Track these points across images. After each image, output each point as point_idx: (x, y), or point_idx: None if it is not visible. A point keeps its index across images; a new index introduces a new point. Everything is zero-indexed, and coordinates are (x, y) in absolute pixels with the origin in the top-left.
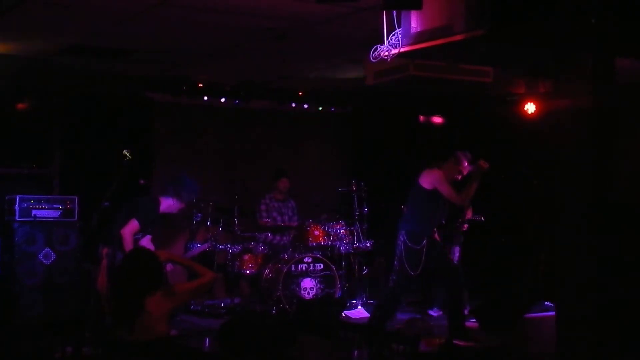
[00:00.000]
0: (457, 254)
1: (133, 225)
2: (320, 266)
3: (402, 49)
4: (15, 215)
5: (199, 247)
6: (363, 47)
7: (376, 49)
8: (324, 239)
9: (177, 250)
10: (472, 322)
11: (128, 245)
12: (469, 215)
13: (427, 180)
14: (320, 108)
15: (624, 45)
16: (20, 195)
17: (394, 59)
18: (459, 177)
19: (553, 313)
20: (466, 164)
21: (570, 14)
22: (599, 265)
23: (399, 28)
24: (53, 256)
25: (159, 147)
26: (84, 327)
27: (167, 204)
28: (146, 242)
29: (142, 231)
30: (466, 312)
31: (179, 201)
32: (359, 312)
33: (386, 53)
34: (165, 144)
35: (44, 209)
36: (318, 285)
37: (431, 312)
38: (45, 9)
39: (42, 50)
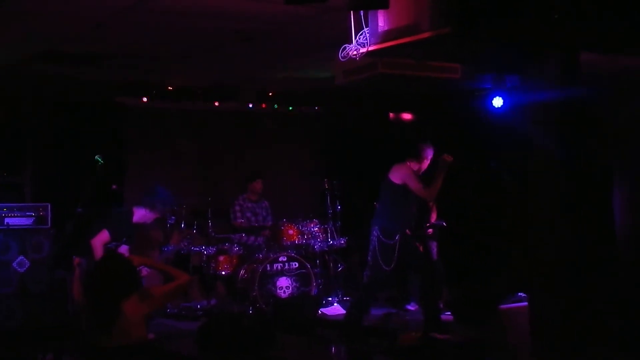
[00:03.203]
0: (434, 250)
1: (103, 235)
2: (295, 265)
3: (371, 48)
4: None
5: (167, 250)
6: (332, 46)
7: (345, 48)
8: (298, 238)
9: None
10: (447, 315)
11: (98, 256)
12: (433, 218)
13: (397, 175)
14: (290, 108)
15: (588, 40)
16: None
17: (363, 58)
18: (422, 169)
19: (526, 304)
20: (429, 155)
21: (534, 11)
22: (571, 257)
23: (366, 27)
24: (27, 264)
25: (131, 152)
26: (63, 335)
27: (140, 214)
28: (123, 252)
29: (115, 241)
30: (441, 305)
31: (153, 212)
32: (335, 309)
33: (355, 52)
34: (138, 148)
35: (17, 216)
36: (294, 283)
37: (408, 307)
38: (14, 16)
39: (11, 57)
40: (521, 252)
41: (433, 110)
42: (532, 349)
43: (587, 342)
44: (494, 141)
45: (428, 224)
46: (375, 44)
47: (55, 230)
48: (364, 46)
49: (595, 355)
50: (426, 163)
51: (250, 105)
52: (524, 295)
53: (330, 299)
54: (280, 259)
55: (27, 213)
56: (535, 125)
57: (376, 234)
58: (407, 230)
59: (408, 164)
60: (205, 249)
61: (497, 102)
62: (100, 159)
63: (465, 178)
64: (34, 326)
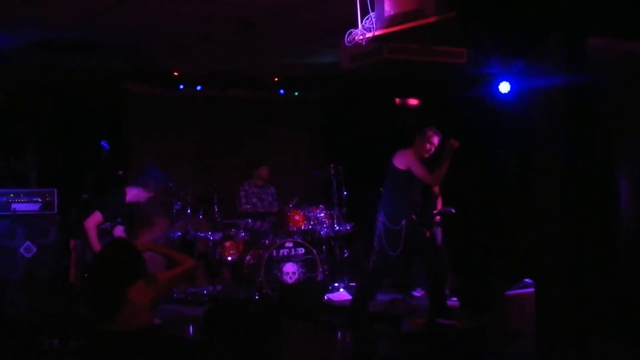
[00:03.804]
0: (439, 235)
1: (96, 217)
2: (301, 250)
3: (376, 33)
4: None
5: (173, 236)
6: (337, 31)
7: (350, 33)
8: (304, 224)
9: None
10: (453, 301)
11: (92, 237)
12: (439, 205)
13: (400, 160)
14: (296, 94)
15: (595, 24)
16: None
17: (369, 43)
18: (427, 155)
19: (532, 290)
20: (435, 141)
21: None
22: (575, 243)
23: (372, 12)
24: (34, 250)
25: (136, 138)
26: (69, 320)
27: (133, 193)
28: (119, 232)
29: (108, 221)
30: (447, 291)
31: (146, 190)
32: (341, 295)
33: (360, 37)
34: (142, 134)
35: (24, 202)
36: (300, 269)
37: (414, 293)
38: (14, 3)
39: (13, 45)
40: (526, 238)
41: (439, 96)
42: (537, 337)
43: (589, 339)
44: (501, 127)
45: (436, 211)
46: (381, 28)
47: (62, 216)
48: (370, 31)
49: (599, 349)
50: (432, 149)
51: (255, 91)
52: (530, 281)
53: (336, 284)
54: (286, 245)
55: (34, 199)
56: (538, 115)
57: (382, 220)
58: (413, 216)
59: (412, 149)
60: (211, 235)
61: (504, 87)
62: (105, 145)
63: (470, 164)
64: (40, 312)
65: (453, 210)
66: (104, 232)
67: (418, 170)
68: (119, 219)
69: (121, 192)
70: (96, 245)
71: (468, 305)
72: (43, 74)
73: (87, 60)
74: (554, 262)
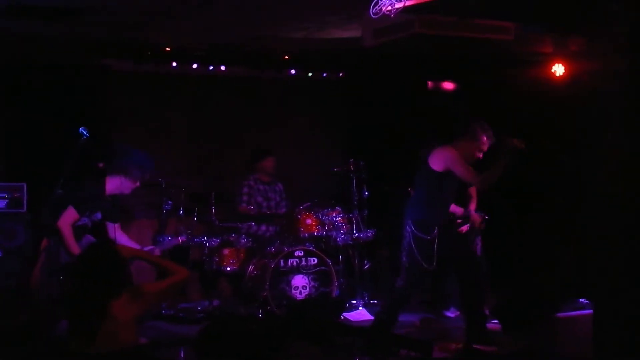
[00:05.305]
0: (478, 245)
1: (70, 214)
2: (313, 261)
3: (407, 3)
4: None
5: (169, 241)
6: (361, 0)
7: (377, 3)
8: (318, 229)
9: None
10: (493, 324)
11: (68, 238)
12: (472, 208)
13: (439, 160)
14: (310, 74)
15: None
16: None
17: (398, 15)
18: (480, 156)
19: (589, 312)
20: (485, 139)
21: None
22: None
23: None
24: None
25: (120, 124)
26: (37, 337)
27: (115, 184)
28: (118, 232)
29: (86, 217)
30: (487, 311)
31: (128, 179)
32: (361, 314)
33: (389, 8)
34: (126, 120)
35: None
36: (311, 283)
37: (447, 313)
38: None
39: None
40: (581, 247)
41: (479, 79)
42: None
43: None
44: (553, 117)
45: (461, 221)
46: None
47: (32, 215)
48: (400, 1)
49: None
50: (485, 147)
51: (262, 70)
52: (585, 301)
53: (354, 302)
54: (296, 254)
55: (0, 194)
56: (598, 104)
57: (410, 229)
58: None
59: (454, 147)
60: (207, 241)
61: (558, 70)
62: (84, 132)
63: (515, 159)
64: (3, 327)
65: (486, 217)
66: (83, 229)
67: (462, 170)
68: (98, 215)
69: (100, 182)
70: (74, 247)
71: (511, 327)
72: (10, 47)
73: (64, 30)
74: (616, 277)
